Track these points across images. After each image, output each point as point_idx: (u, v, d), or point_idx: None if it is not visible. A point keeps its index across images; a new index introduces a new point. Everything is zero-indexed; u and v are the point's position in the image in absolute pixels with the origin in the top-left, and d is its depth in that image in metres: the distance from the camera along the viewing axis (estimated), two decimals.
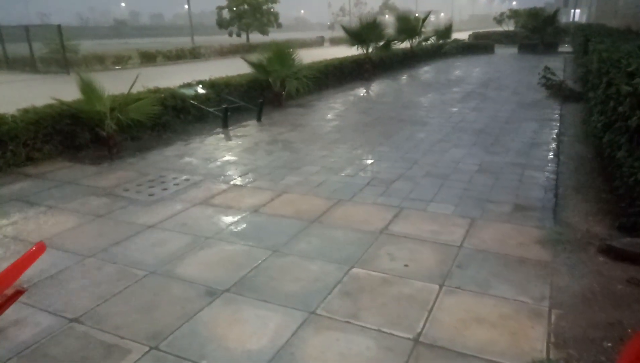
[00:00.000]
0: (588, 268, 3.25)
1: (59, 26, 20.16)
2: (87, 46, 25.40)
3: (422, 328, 2.66)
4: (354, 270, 3.30)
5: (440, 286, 3.07)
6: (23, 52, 20.92)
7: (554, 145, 6.40)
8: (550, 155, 5.93)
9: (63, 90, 6.93)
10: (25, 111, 6.22)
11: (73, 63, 19.96)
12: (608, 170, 4.76)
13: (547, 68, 10.68)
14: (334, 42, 37.60)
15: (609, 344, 2.47)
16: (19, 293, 2.70)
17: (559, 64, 16.19)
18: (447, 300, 2.93)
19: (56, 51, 20.16)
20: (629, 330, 2.53)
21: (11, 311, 2.84)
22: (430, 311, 2.81)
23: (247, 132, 7.80)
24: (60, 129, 6.35)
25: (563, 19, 29.22)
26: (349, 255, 3.50)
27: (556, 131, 7.19)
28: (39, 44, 20.59)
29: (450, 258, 3.43)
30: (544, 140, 6.68)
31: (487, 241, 3.66)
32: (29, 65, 20.67)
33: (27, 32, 20.44)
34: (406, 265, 3.35)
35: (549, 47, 22.69)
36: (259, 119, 8.61)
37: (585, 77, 9.26)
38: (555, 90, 10.24)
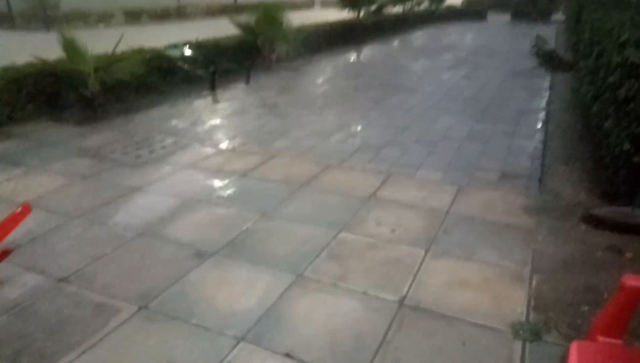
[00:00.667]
0: (570, 235, 3.33)
1: None
2: (68, 2, 24.36)
3: (407, 291, 2.72)
4: (342, 234, 3.34)
5: (426, 251, 3.13)
6: (0, 7, 19.98)
7: (542, 114, 6.42)
8: (539, 124, 5.96)
9: (43, 48, 6.68)
10: (5, 69, 6.00)
11: (54, 20, 19.16)
12: (595, 140, 4.81)
13: (538, 37, 10.59)
14: (325, 4, 36.62)
15: (586, 307, 2.57)
16: (5, 253, 2.68)
17: (552, 32, 16.03)
18: (432, 264, 3.00)
19: (36, 7, 19.31)
20: (605, 295, 2.63)
21: None
22: (415, 275, 2.87)
23: (236, 95, 7.67)
24: (43, 88, 6.16)
25: None
26: (337, 220, 3.53)
27: (546, 100, 7.20)
28: None
29: (436, 223, 3.48)
30: (533, 109, 6.70)
31: (473, 208, 3.72)
32: (6, 20, 19.79)
33: None
34: (393, 230, 3.39)
35: (542, 15, 22.38)
36: (247, 82, 8.45)
37: (577, 47, 9.21)
38: (547, 59, 10.19)
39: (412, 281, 2.82)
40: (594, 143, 4.83)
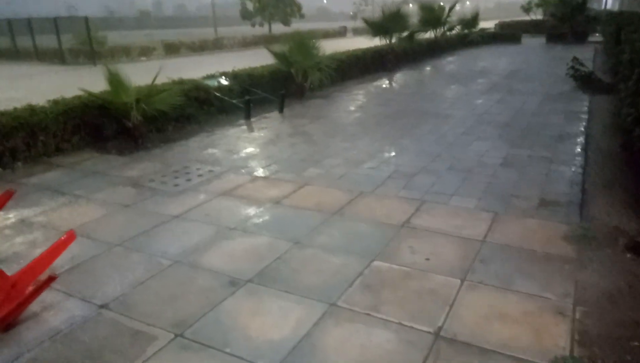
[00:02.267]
0: (615, 265, 3.18)
1: (86, 18, 20.61)
2: (113, 37, 25.87)
3: (443, 323, 2.66)
4: (375, 263, 3.31)
5: (462, 281, 3.06)
6: (52, 44, 21.45)
7: (581, 139, 6.24)
8: (578, 149, 5.79)
9: (90, 81, 7.09)
10: (55, 102, 6.40)
11: (99, 54, 20.39)
12: (638, 165, 4.62)
13: (575, 59, 10.36)
14: (357, 32, 37.30)
15: (636, 343, 2.43)
16: (51, 279, 2.81)
17: (589, 54, 15.68)
18: (468, 295, 2.92)
19: (83, 43, 20.63)
20: None
21: (44, 297, 2.97)
22: (451, 306, 2.81)
23: (269, 123, 7.84)
24: (88, 120, 6.51)
25: (594, 7, 28.20)
26: (370, 248, 3.51)
27: (584, 124, 7.00)
28: (67, 36, 21.11)
29: (472, 252, 3.41)
30: (571, 133, 6.52)
31: (510, 236, 3.62)
32: (57, 56, 21.18)
33: (55, 24, 20.93)
34: (428, 259, 3.34)
35: (579, 37, 21.96)
36: (281, 111, 8.64)
37: (616, 69, 8.95)
38: (584, 81, 9.94)
39: (448, 312, 2.75)
40: (637, 168, 4.64)
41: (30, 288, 2.88)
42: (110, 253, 3.61)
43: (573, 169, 5.05)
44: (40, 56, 22.04)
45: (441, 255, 3.40)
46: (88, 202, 4.64)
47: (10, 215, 4.34)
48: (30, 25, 22.46)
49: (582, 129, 6.72)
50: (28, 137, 5.87)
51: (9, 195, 3.68)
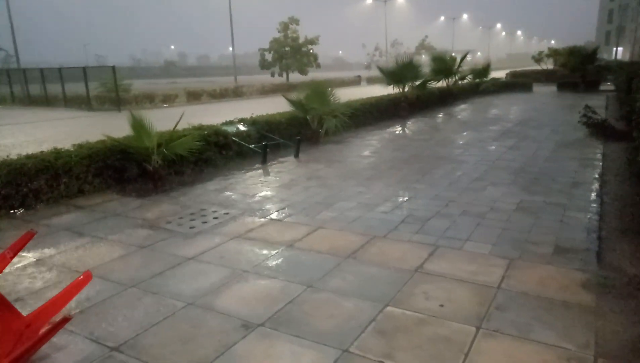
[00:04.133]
0: (636, 315, 3.09)
1: (113, 67, 21.64)
2: (138, 85, 27.03)
3: None
4: (389, 309, 3.28)
5: (478, 329, 3.00)
6: (80, 91, 22.48)
7: (596, 185, 6.20)
8: (593, 195, 5.75)
9: (114, 126, 7.39)
10: (80, 146, 6.66)
11: (124, 101, 21.26)
12: None
13: (587, 107, 10.45)
14: (371, 81, 38.32)
15: None
16: (65, 320, 2.83)
17: (601, 102, 15.79)
18: (484, 343, 2.85)
19: (109, 90, 21.59)
20: None
21: (57, 338, 2.99)
22: (467, 355, 2.74)
23: (285, 168, 7.99)
24: (111, 163, 6.73)
25: (604, 57, 28.65)
26: (384, 293, 3.49)
27: (599, 170, 6.97)
28: (95, 84, 22.15)
29: (488, 299, 3.35)
30: (586, 180, 6.49)
31: (527, 283, 3.56)
32: (84, 103, 22.12)
33: (84, 73, 22.01)
34: (442, 305, 3.30)
35: (590, 85, 22.19)
36: (296, 156, 8.82)
37: (629, 116, 8.99)
38: (597, 129, 9.98)
39: (464, 361, 2.69)
40: None
41: (45, 329, 2.90)
42: (125, 294, 3.64)
43: (589, 216, 5.00)
44: (69, 102, 23.04)
45: (456, 301, 3.35)
46: (106, 243, 4.73)
47: (30, 254, 4.43)
48: (60, 73, 23.64)
49: (597, 175, 6.69)
50: (52, 179, 6.08)
51: (30, 236, 3.78)
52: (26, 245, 3.88)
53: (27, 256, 4.40)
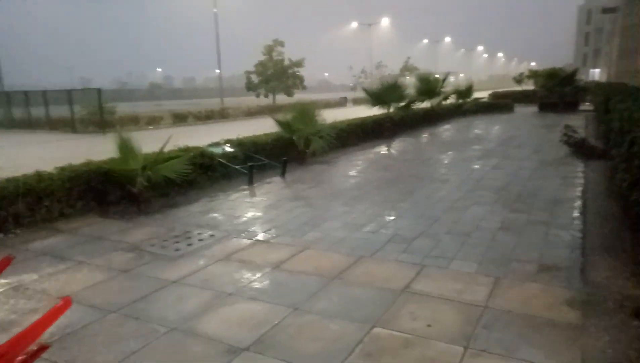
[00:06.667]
0: (622, 332, 3.11)
1: (98, 90, 21.55)
2: (123, 108, 26.91)
3: None
4: (376, 330, 3.24)
5: (465, 348, 2.98)
6: (64, 114, 22.29)
7: (578, 203, 6.30)
8: (575, 213, 5.83)
9: (97, 149, 7.31)
10: (62, 168, 6.56)
11: (109, 124, 21.10)
12: (638, 228, 4.63)
13: (567, 126, 10.70)
14: (357, 102, 38.81)
15: None
16: (42, 348, 2.71)
17: (580, 122, 16.19)
18: None
19: (94, 113, 21.45)
20: None
21: None
22: None
23: (271, 188, 7.97)
24: (94, 186, 6.63)
25: (582, 77, 29.52)
26: (371, 314, 3.45)
27: (580, 188, 7.10)
28: (79, 107, 22.00)
29: (474, 318, 3.34)
30: (568, 197, 6.59)
31: (512, 302, 3.56)
32: (68, 126, 21.91)
33: (69, 96, 21.88)
34: (429, 325, 3.28)
35: (570, 106, 22.76)
36: (283, 176, 8.81)
37: (608, 135, 9.23)
38: (578, 147, 10.20)
39: None
40: (637, 231, 4.65)
41: (20, 358, 2.80)
42: (105, 321, 3.54)
43: (572, 233, 5.06)
44: (53, 125, 22.80)
45: (443, 321, 3.33)
46: (87, 268, 4.62)
47: (7, 280, 4.31)
48: (45, 96, 23.46)
49: (579, 193, 6.81)
50: (33, 203, 5.96)
51: (7, 261, 3.67)
52: (3, 270, 3.78)
53: (6, 282, 4.27)
